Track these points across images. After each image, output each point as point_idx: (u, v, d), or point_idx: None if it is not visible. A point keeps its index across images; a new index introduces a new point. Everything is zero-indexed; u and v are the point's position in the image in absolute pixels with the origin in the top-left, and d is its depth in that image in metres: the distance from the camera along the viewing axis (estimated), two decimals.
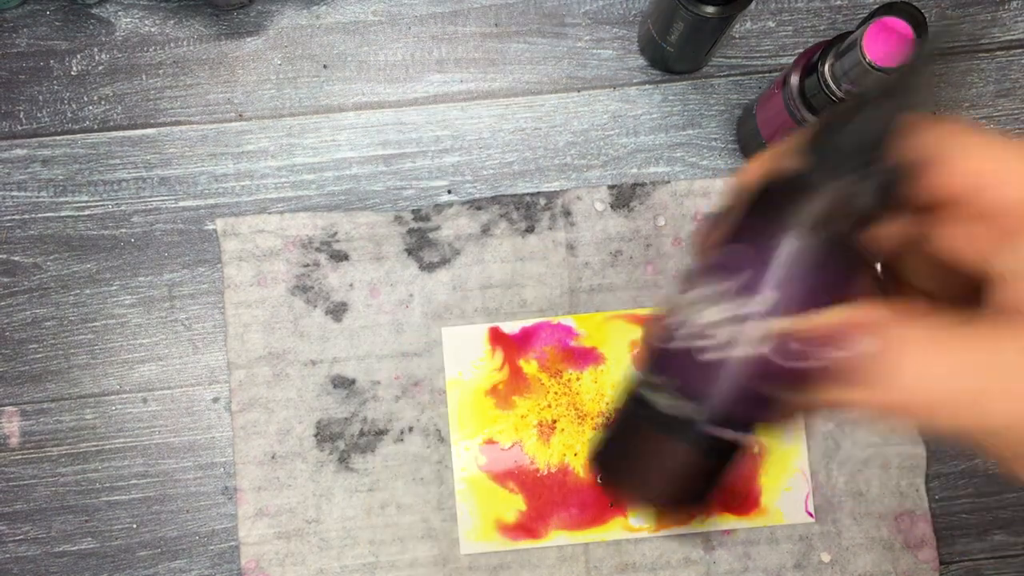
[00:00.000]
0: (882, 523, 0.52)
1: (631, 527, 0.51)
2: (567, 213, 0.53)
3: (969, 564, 0.53)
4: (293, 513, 0.52)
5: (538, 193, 0.54)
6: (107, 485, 0.53)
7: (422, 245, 0.53)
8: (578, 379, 0.52)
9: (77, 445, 0.53)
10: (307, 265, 0.53)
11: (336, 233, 0.53)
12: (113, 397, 0.53)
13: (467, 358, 0.52)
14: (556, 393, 0.52)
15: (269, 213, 0.54)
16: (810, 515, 0.52)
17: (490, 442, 0.52)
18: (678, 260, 0.53)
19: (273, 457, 0.52)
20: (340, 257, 0.53)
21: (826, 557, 0.52)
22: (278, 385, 0.52)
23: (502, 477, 0.52)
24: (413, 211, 0.53)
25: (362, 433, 0.52)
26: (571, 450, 0.52)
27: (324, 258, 0.53)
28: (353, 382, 0.53)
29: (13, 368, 0.53)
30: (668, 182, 0.54)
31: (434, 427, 0.52)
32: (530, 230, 0.53)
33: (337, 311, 0.53)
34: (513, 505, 0.52)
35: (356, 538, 0.52)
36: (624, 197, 0.54)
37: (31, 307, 0.53)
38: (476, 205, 0.53)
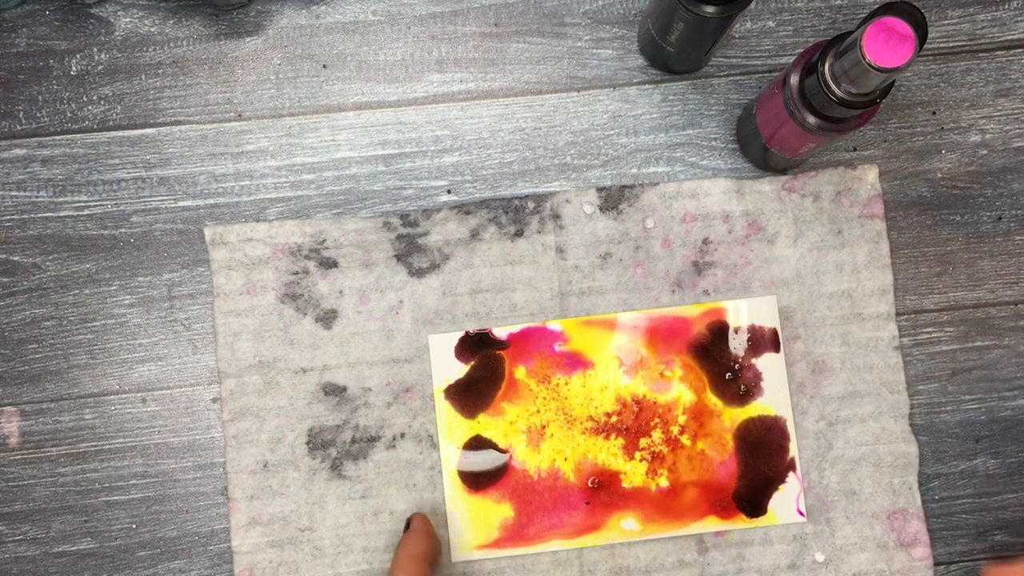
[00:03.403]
0: (875, 522, 0.52)
1: (623, 531, 0.51)
2: (556, 216, 0.53)
3: (969, 564, 0.53)
4: (286, 521, 0.52)
5: (526, 196, 0.53)
6: (106, 485, 0.53)
7: (411, 251, 0.53)
8: (566, 384, 0.52)
9: (76, 445, 0.53)
10: (296, 273, 0.53)
11: (325, 240, 0.53)
12: (112, 397, 0.53)
13: (455, 365, 0.52)
14: (545, 399, 0.52)
15: (258, 221, 0.54)
16: (801, 514, 0.52)
17: (480, 449, 0.52)
18: (667, 262, 0.53)
19: (265, 466, 0.52)
20: (329, 264, 0.53)
21: (820, 557, 0.52)
22: (269, 393, 0.52)
23: (493, 484, 0.52)
24: (401, 216, 0.53)
25: (354, 440, 0.52)
26: (560, 455, 0.52)
27: (313, 265, 0.53)
28: (344, 389, 0.52)
29: (12, 368, 0.53)
30: (656, 184, 0.54)
31: (426, 433, 0.52)
32: (519, 234, 0.53)
33: (327, 318, 0.53)
34: (504, 511, 0.52)
35: (350, 546, 0.52)
36: (613, 199, 0.53)
37: (30, 307, 0.53)
38: (465, 210, 0.53)
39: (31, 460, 0.53)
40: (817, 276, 0.53)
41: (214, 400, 0.53)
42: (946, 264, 0.54)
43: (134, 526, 0.53)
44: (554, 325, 0.52)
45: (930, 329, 0.54)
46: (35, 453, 0.53)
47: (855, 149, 0.55)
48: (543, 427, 0.52)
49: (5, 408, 0.53)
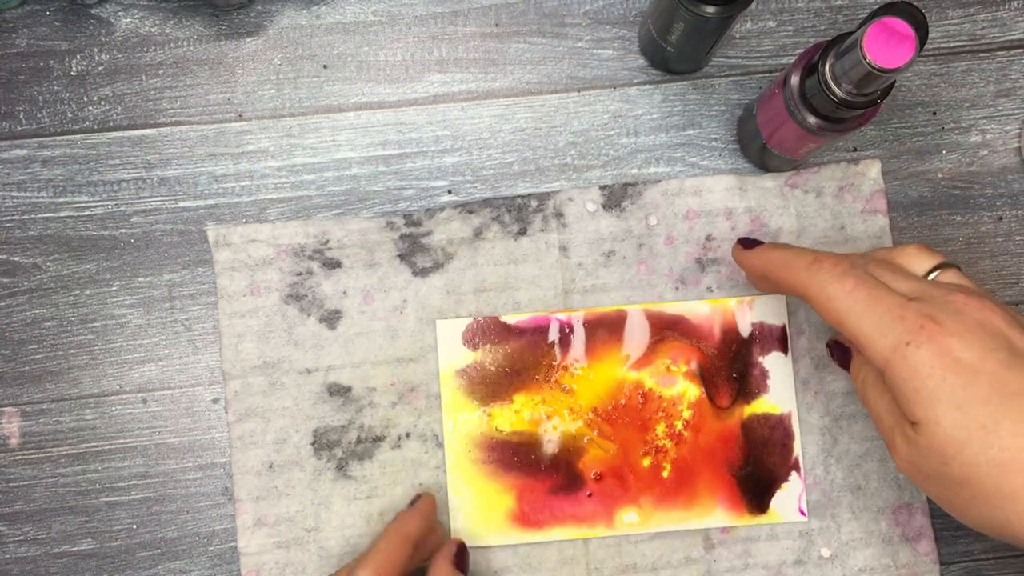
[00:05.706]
0: (881, 517, 0.52)
1: (624, 524, 0.51)
2: (559, 214, 0.53)
3: (970, 564, 0.53)
4: (292, 522, 0.52)
5: (529, 195, 0.53)
6: (107, 486, 0.53)
7: (414, 250, 0.53)
8: (572, 375, 0.52)
9: (77, 446, 0.53)
10: (300, 273, 0.53)
11: (328, 241, 0.53)
12: (113, 398, 0.53)
13: (461, 352, 0.52)
14: (551, 388, 0.52)
15: (261, 222, 0.54)
16: (802, 513, 0.52)
17: (484, 437, 0.52)
18: (671, 259, 0.53)
19: (271, 467, 0.52)
20: (333, 265, 0.53)
21: (826, 552, 0.52)
22: (274, 394, 0.52)
23: (497, 472, 0.52)
24: (404, 216, 0.53)
25: (359, 440, 0.52)
26: (564, 446, 0.52)
27: (317, 266, 0.53)
28: (349, 389, 0.53)
29: (13, 368, 0.53)
30: (659, 181, 0.54)
31: (431, 432, 0.52)
32: (522, 232, 0.53)
33: (331, 319, 0.53)
34: (507, 500, 0.52)
35: (356, 546, 0.52)
36: (616, 197, 0.54)
37: (31, 308, 0.53)
38: (468, 209, 0.53)
39: (32, 460, 0.53)
40: None
41: (215, 401, 0.53)
42: None
43: (135, 527, 0.53)
44: (561, 316, 0.52)
45: None
46: (36, 453, 0.53)
47: (855, 149, 0.55)
48: (548, 417, 0.52)
49: (6, 408, 0.53)
